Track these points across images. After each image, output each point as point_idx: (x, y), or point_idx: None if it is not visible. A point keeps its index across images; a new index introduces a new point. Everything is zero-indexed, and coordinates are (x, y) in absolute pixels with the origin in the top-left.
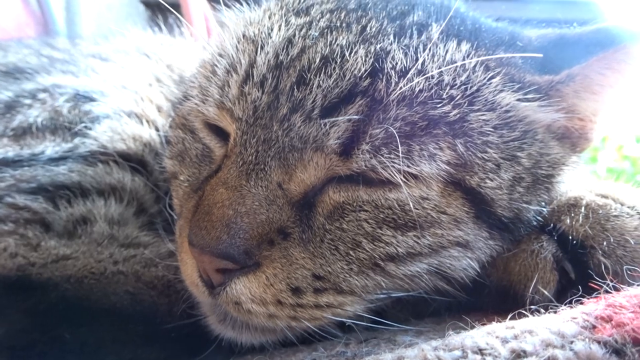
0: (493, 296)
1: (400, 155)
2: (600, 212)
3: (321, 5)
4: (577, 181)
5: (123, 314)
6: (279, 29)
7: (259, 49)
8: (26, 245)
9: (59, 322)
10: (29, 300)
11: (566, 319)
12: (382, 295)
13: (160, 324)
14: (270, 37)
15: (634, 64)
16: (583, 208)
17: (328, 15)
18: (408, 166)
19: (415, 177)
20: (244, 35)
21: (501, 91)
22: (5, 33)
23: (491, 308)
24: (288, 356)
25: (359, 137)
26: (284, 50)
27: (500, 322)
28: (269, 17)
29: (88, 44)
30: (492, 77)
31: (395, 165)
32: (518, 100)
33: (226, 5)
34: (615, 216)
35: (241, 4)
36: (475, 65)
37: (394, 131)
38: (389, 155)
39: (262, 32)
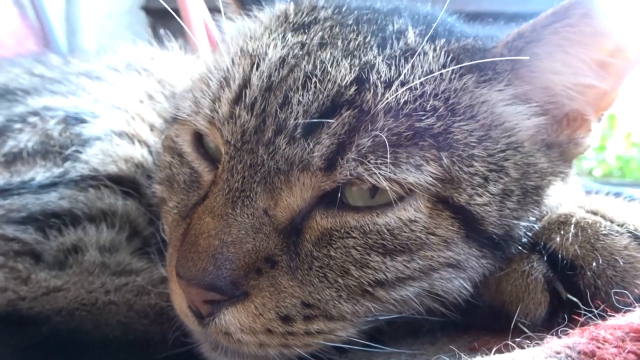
0: (486, 316)
1: (388, 161)
2: (590, 230)
3: (323, 22)
4: (568, 195)
5: (115, 344)
6: (275, 47)
7: (254, 68)
8: (16, 278)
9: (51, 356)
10: (20, 336)
11: (549, 354)
12: (373, 319)
13: (153, 353)
14: (267, 56)
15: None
16: (573, 226)
17: (320, 33)
18: (395, 173)
19: (401, 187)
20: (241, 50)
21: (479, 93)
22: (6, 49)
23: (485, 328)
24: None
25: (345, 148)
26: (276, 71)
27: (487, 352)
28: (269, 34)
29: (79, 61)
30: (466, 82)
31: (382, 172)
32: (494, 94)
33: (228, 17)
34: (604, 235)
35: (242, 17)
36: (451, 74)
37: (384, 137)
38: (375, 162)
39: (259, 49)
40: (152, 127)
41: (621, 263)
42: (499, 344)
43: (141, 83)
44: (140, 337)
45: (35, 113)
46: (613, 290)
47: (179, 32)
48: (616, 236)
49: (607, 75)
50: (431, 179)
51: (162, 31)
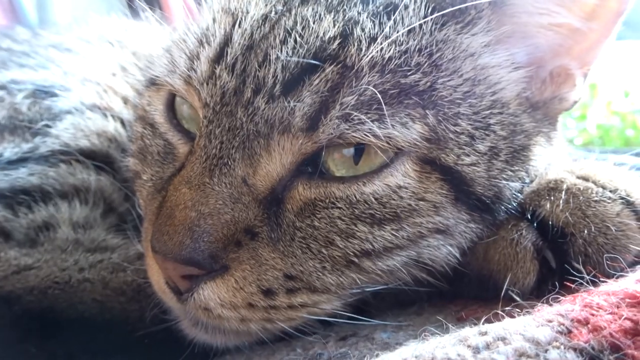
0: (473, 285)
1: (373, 117)
2: (581, 197)
3: None
4: (556, 158)
5: (92, 323)
6: (257, 5)
7: (236, 26)
8: None
9: (25, 336)
10: None
11: (541, 323)
12: (358, 290)
13: (132, 331)
14: (249, 13)
15: None
16: (563, 193)
17: None
18: (380, 129)
19: (387, 144)
20: (223, 8)
21: (460, 42)
22: None
23: (472, 297)
24: (266, 357)
25: (329, 106)
26: (258, 29)
27: (476, 322)
28: None
29: (49, 34)
30: (447, 32)
31: (367, 127)
32: (476, 41)
33: None
34: (596, 201)
35: None
36: (432, 26)
37: (370, 92)
38: (359, 118)
39: (242, 6)
40: (125, 100)
41: (613, 230)
42: (487, 313)
43: (114, 55)
44: (118, 315)
45: (2, 87)
46: (605, 256)
47: (156, 3)
48: (608, 203)
49: (589, 20)
50: (418, 137)
51: (137, 1)
